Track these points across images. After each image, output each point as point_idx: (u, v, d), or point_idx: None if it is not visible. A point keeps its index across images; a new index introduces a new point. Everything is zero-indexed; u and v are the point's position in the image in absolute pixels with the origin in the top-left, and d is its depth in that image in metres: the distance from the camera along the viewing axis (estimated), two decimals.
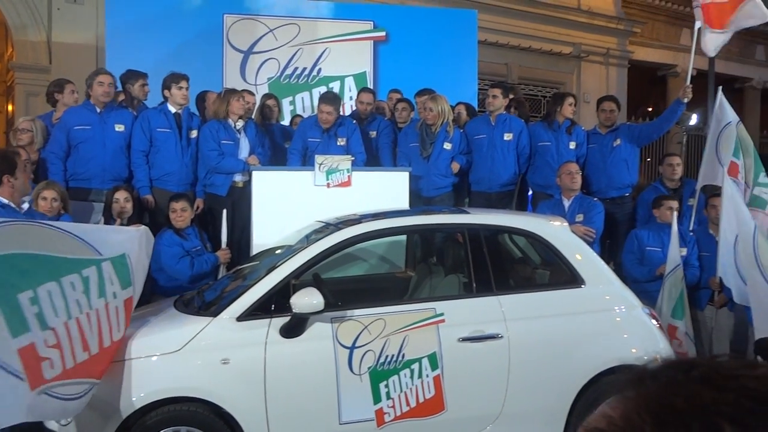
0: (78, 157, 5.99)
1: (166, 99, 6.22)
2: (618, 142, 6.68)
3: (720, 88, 6.58)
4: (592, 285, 4.36)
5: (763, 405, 0.62)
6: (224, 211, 5.64)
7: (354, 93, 8.13)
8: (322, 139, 6.41)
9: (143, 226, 4.07)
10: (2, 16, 9.95)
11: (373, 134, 7.03)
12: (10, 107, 11.79)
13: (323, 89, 7.93)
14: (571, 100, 6.93)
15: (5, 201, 4.19)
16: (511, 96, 7.14)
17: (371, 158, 6.69)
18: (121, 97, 6.53)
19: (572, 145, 6.71)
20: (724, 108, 6.26)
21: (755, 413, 0.61)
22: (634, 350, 4.32)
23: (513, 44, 13.61)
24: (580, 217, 5.83)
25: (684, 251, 5.68)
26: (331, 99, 6.56)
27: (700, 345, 5.66)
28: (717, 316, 5.72)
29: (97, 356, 3.43)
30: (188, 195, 5.88)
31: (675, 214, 5.64)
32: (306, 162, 6.26)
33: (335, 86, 8.41)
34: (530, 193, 7.02)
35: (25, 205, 4.53)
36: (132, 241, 3.76)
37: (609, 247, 6.60)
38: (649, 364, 0.72)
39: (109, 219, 5.31)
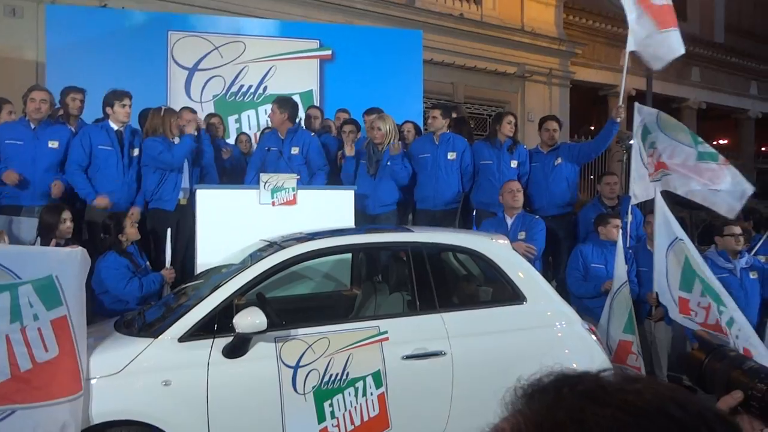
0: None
1: (107, 116, 6.11)
2: (559, 161, 6.85)
3: (635, 103, 6.70)
4: (533, 301, 4.45)
5: (637, 418, 0.65)
6: (168, 230, 5.58)
7: (302, 112, 8.16)
8: (277, 147, 6.50)
9: (79, 247, 4.00)
10: None
11: None
12: None
13: (269, 107, 7.94)
14: (509, 118, 7.08)
15: None
16: (454, 116, 7.26)
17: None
18: (60, 113, 6.41)
19: (514, 164, 6.85)
20: (640, 113, 6.30)
21: (629, 426, 0.65)
22: (575, 365, 4.41)
23: (459, 64, 13.83)
24: (522, 235, 5.93)
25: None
26: (278, 100, 6.69)
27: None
28: (655, 330, 5.88)
29: (10, 382, 3.39)
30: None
31: (620, 232, 5.78)
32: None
33: None
34: (474, 211, 7.12)
35: None
36: (63, 262, 3.69)
37: (552, 264, 6.73)
38: (543, 378, 0.74)
39: (46, 238, 5.17)
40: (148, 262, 5.61)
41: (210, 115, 7.49)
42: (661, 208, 5.52)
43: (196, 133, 6.19)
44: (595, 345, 4.53)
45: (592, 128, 16.70)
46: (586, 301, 5.71)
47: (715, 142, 19.75)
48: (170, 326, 3.81)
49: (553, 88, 15.56)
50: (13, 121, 6.19)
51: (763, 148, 23.56)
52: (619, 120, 6.79)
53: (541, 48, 15.12)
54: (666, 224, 5.43)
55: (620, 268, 5.46)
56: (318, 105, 8.48)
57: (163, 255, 5.52)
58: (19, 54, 9.50)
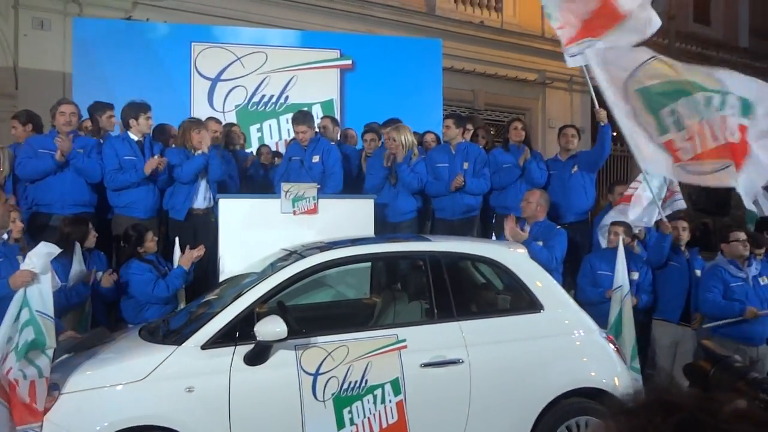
0: (40, 183, 6.02)
1: (129, 127, 6.25)
2: (575, 169, 6.89)
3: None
4: (551, 310, 4.49)
5: None
6: (177, 239, 5.74)
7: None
8: (299, 156, 6.67)
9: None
10: None
11: None
12: None
13: (291, 117, 8.02)
14: (515, 124, 7.32)
15: None
16: (468, 126, 7.35)
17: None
18: (87, 125, 6.56)
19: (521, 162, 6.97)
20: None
21: None
22: (592, 373, 4.45)
23: (479, 71, 13.85)
24: (539, 244, 5.93)
25: (636, 275, 5.80)
26: (301, 118, 6.79)
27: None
28: (655, 333, 5.91)
29: None
30: (152, 223, 5.98)
31: (621, 237, 5.72)
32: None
33: None
34: (494, 216, 7.16)
35: (4, 236, 4.52)
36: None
37: (569, 272, 6.71)
38: (634, 395, 0.72)
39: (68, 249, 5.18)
40: (166, 268, 5.72)
41: (229, 125, 7.59)
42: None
43: (207, 152, 6.22)
44: (613, 354, 4.55)
45: (615, 134, 16.63)
46: (600, 307, 5.65)
47: None
48: (193, 334, 3.90)
49: (574, 95, 15.51)
50: (43, 134, 6.35)
51: None
52: (603, 123, 6.77)
53: (561, 55, 14.98)
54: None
55: (619, 273, 5.49)
56: (338, 114, 8.58)
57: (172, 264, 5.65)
58: (46, 66, 9.71)
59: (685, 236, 5.98)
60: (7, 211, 4.45)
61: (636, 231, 6.21)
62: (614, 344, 4.67)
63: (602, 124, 6.79)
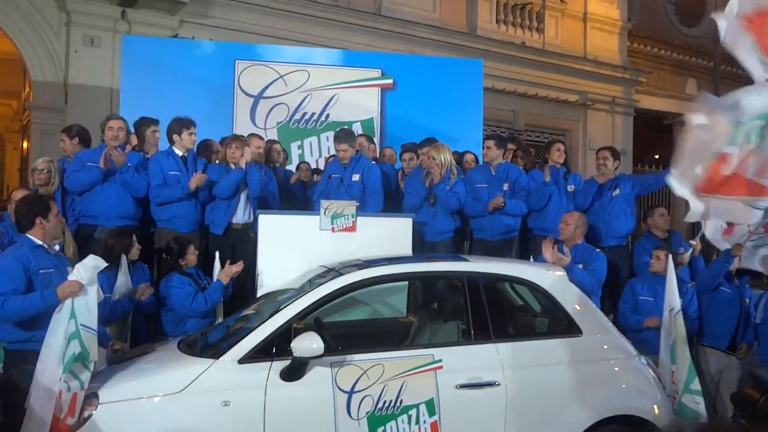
0: (87, 195, 6.16)
1: (172, 142, 6.37)
2: (617, 191, 6.80)
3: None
4: (589, 334, 4.43)
5: None
6: (216, 253, 5.80)
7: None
8: (340, 174, 6.71)
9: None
10: (20, 57, 10.22)
11: None
12: (25, 145, 12.04)
13: (331, 134, 8.06)
14: (558, 146, 7.24)
15: (38, 242, 4.30)
16: (510, 147, 7.30)
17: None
18: (134, 141, 6.71)
19: (570, 188, 6.92)
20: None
21: None
22: (631, 401, 4.37)
23: (520, 91, 13.83)
24: (580, 267, 5.84)
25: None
26: (343, 137, 6.81)
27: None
28: (708, 362, 5.75)
29: None
30: (193, 237, 6.06)
31: (670, 261, 5.50)
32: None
33: None
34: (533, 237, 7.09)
35: (56, 247, 4.62)
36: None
37: (608, 296, 6.59)
38: (682, 428, 0.70)
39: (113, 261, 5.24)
40: (205, 282, 5.78)
41: (270, 142, 7.69)
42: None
43: (243, 167, 6.32)
44: (652, 380, 4.47)
45: (657, 157, 16.41)
46: (642, 333, 5.53)
47: None
48: (231, 348, 3.93)
49: (615, 117, 15.38)
50: (92, 148, 6.51)
51: None
52: None
53: (603, 76, 14.99)
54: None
55: (669, 297, 5.02)
56: (378, 133, 8.63)
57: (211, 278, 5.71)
58: (95, 82, 9.96)
59: (736, 263, 5.83)
60: (60, 222, 4.55)
61: (680, 254, 6.07)
62: (654, 370, 4.59)
63: None
